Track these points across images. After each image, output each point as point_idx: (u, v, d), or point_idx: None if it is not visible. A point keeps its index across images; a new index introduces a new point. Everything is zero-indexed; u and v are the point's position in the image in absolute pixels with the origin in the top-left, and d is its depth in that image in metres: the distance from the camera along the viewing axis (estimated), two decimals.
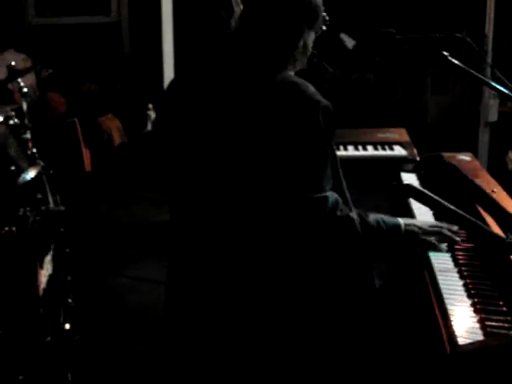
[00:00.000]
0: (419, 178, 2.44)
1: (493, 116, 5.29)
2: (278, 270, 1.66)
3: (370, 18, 5.92)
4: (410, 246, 1.77)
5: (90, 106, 6.51)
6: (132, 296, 3.19)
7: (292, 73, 1.69)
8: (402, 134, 2.74)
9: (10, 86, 4.54)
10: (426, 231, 1.74)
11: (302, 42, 1.67)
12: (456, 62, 1.70)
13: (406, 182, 2.40)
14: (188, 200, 1.73)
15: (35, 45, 7.55)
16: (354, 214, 1.63)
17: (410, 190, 1.51)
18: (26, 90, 2.85)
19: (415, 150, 2.54)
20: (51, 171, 3.12)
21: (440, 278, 1.60)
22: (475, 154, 4.13)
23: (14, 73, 2.84)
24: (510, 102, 5.63)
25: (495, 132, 5.44)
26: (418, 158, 2.45)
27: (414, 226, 1.73)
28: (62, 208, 3.05)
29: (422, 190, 1.47)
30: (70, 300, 2.82)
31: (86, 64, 7.72)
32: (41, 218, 2.65)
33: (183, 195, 1.75)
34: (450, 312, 1.44)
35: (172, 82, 1.86)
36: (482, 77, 1.73)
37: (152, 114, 5.20)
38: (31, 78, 5.85)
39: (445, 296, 1.50)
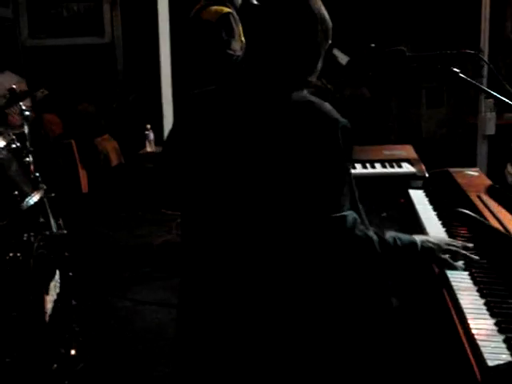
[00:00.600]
0: (428, 194, 2.42)
1: (490, 129, 5.30)
2: (295, 290, 1.63)
3: (364, 34, 5.95)
4: (426, 264, 1.75)
5: (86, 126, 6.49)
6: (137, 319, 3.15)
7: (306, 91, 1.67)
8: (408, 150, 2.73)
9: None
10: (441, 249, 1.72)
11: (320, 63, 1.67)
12: (468, 79, 1.70)
13: (414, 199, 2.39)
14: (205, 219, 1.70)
15: (29, 66, 7.55)
16: (371, 233, 1.61)
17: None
18: (27, 113, 2.83)
19: (423, 167, 2.53)
20: (53, 194, 3.09)
21: (461, 298, 1.57)
22: (473, 167, 4.13)
23: (15, 96, 2.82)
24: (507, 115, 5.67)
25: (493, 145, 5.46)
26: (426, 175, 2.44)
27: (430, 243, 1.72)
28: (65, 232, 3.02)
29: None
30: (74, 325, 2.78)
31: (80, 85, 7.72)
32: (45, 243, 2.61)
33: (200, 214, 1.72)
34: (474, 332, 1.41)
35: (185, 103, 1.84)
36: (495, 94, 1.71)
37: (151, 135, 5.18)
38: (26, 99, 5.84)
39: (468, 316, 1.48)
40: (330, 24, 1.69)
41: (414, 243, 1.68)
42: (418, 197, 2.40)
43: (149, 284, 3.55)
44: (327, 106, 1.61)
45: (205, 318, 1.71)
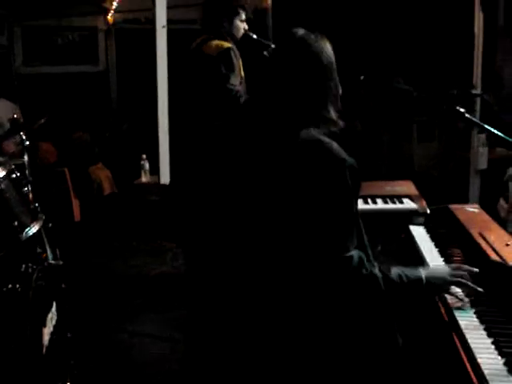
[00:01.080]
0: (429, 231, 2.43)
1: (483, 164, 5.36)
2: (301, 326, 1.64)
3: (355, 69, 6.03)
4: (432, 296, 1.77)
5: (80, 155, 6.48)
6: (134, 352, 3.11)
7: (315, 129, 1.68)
8: (409, 186, 2.75)
9: None
10: (447, 281, 1.73)
11: (330, 98, 1.69)
12: (473, 118, 1.72)
13: (415, 235, 2.40)
14: (215, 254, 1.71)
15: (23, 94, 7.57)
16: (377, 271, 1.63)
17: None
18: (27, 142, 2.83)
19: (424, 203, 2.54)
20: (50, 225, 3.07)
21: (469, 337, 1.57)
22: (466, 202, 4.16)
23: (17, 126, 2.82)
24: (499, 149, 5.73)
25: (485, 179, 5.51)
26: (428, 211, 2.45)
27: (435, 278, 1.73)
28: (61, 262, 3.00)
29: None
30: (70, 358, 2.74)
31: (74, 113, 7.75)
32: (43, 274, 2.59)
33: (210, 249, 1.73)
34: (485, 373, 1.41)
35: (193, 138, 1.86)
36: (498, 133, 1.74)
37: (146, 165, 5.19)
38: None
39: (477, 356, 1.48)
40: (333, 58, 1.72)
41: (419, 279, 1.69)
42: (419, 233, 2.41)
43: (145, 316, 3.51)
44: (335, 145, 1.63)
45: (213, 351, 1.71)
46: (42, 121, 2.96)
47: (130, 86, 8.76)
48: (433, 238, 2.35)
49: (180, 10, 7.77)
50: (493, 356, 1.49)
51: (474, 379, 1.41)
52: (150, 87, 8.42)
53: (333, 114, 1.70)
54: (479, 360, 1.46)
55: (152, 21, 8.66)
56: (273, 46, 3.68)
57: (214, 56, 3.46)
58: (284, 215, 1.60)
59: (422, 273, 1.71)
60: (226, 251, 1.67)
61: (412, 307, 1.87)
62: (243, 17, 3.65)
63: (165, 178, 4.89)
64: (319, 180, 1.57)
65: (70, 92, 8.16)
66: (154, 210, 5.03)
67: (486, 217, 2.44)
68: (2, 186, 2.47)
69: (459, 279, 1.75)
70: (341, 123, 1.72)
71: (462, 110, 1.74)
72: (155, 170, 5.03)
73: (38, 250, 2.84)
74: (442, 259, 2.13)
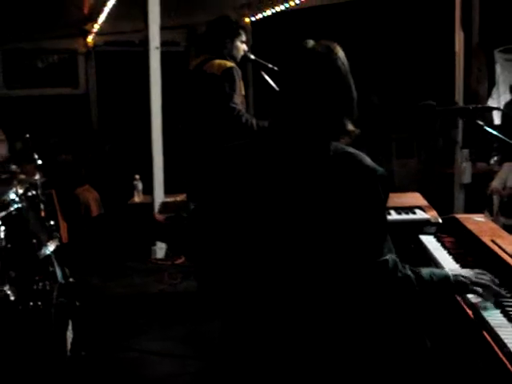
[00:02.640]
0: (438, 240, 2.52)
1: (467, 178, 5.52)
2: (339, 332, 1.69)
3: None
4: (460, 295, 1.84)
5: (66, 176, 6.46)
6: (144, 370, 3.12)
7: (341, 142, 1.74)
8: (417, 198, 2.85)
9: None
10: (472, 281, 1.81)
11: (355, 112, 1.75)
12: (491, 130, 1.83)
13: (427, 244, 2.49)
14: (248, 269, 1.75)
15: (3, 116, 7.54)
16: (409, 272, 1.70)
17: None
18: (40, 162, 2.85)
19: (435, 213, 2.64)
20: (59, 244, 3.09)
21: (501, 333, 1.65)
22: None
23: (28, 145, 2.85)
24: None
25: (469, 193, 5.67)
26: (440, 221, 2.55)
27: (462, 276, 1.81)
28: (72, 280, 3.02)
29: None
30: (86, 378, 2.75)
31: (55, 135, 7.73)
32: (61, 292, 2.61)
33: (242, 264, 1.77)
34: None
35: (219, 157, 1.89)
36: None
37: (139, 185, 5.22)
38: (3, 149, 5.82)
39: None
40: (348, 65, 1.72)
41: (447, 277, 1.78)
42: (431, 242, 2.50)
43: (151, 334, 3.53)
44: (365, 156, 1.70)
45: (252, 361, 1.75)
46: (55, 140, 2.98)
47: (110, 108, 8.79)
48: (444, 247, 2.44)
49: (163, 32, 7.87)
50: None
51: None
52: (132, 109, 8.48)
53: (351, 125, 1.72)
54: None
55: (131, 43, 8.75)
56: (270, 66, 3.78)
57: (218, 75, 3.54)
58: (321, 225, 1.65)
59: (449, 272, 1.80)
60: (263, 264, 1.71)
61: (436, 309, 1.94)
62: (243, 38, 3.75)
63: (159, 197, 4.93)
64: (354, 190, 1.64)
65: (51, 115, 8.15)
66: (147, 229, 5.05)
67: (494, 225, 2.55)
68: (22, 204, 2.50)
69: (484, 281, 1.83)
70: (357, 131, 1.74)
71: (480, 123, 1.84)
72: (149, 190, 5.06)
73: (51, 269, 2.85)
74: (458, 265, 2.22)
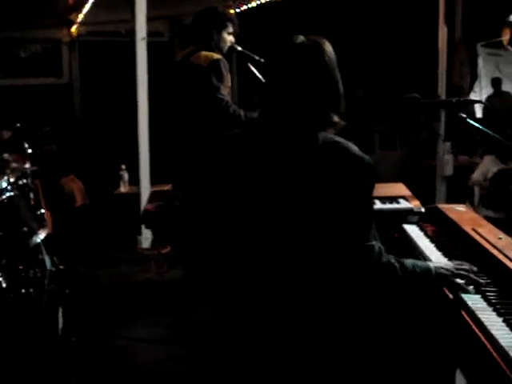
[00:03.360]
0: (421, 229, 2.59)
1: (449, 170, 5.62)
2: (327, 316, 1.75)
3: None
4: (440, 287, 1.92)
5: (51, 166, 6.45)
6: (132, 357, 3.17)
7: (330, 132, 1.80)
8: (401, 188, 2.92)
9: None
10: (453, 273, 1.89)
11: (342, 104, 1.81)
12: (473, 123, 1.89)
13: (410, 233, 2.56)
14: (240, 254, 1.81)
15: None
16: (394, 260, 1.77)
17: None
18: (30, 150, 2.88)
19: (418, 203, 2.72)
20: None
21: (482, 317, 1.72)
22: None
23: (18, 134, 2.87)
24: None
25: (451, 185, 5.78)
26: (423, 210, 2.63)
27: (443, 269, 1.90)
28: (62, 267, 3.05)
29: None
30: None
31: (39, 125, 7.69)
32: (52, 279, 2.65)
33: (234, 250, 1.82)
34: (502, 343, 1.56)
35: (212, 147, 1.94)
36: (498, 137, 1.92)
37: (125, 175, 5.24)
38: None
39: (493, 332, 1.63)
40: (335, 59, 1.79)
41: (429, 269, 1.86)
42: (414, 231, 2.57)
43: (139, 322, 3.57)
44: (352, 145, 1.76)
45: (244, 345, 1.80)
46: (48, 129, 3.01)
47: (94, 98, 8.78)
48: (427, 236, 2.51)
49: (147, 22, 7.86)
50: (506, 331, 1.64)
51: (493, 351, 1.56)
52: (116, 99, 8.47)
53: (337, 117, 1.79)
54: (495, 334, 1.61)
55: (115, 33, 8.73)
56: (257, 57, 3.82)
57: (205, 67, 3.57)
58: (309, 212, 1.71)
59: (431, 265, 1.88)
60: (253, 249, 1.76)
61: (416, 293, 2.01)
62: (230, 30, 3.78)
63: (145, 187, 4.96)
64: (342, 177, 1.70)
65: (34, 104, 8.12)
66: (132, 219, 5.09)
67: (475, 215, 2.63)
68: (13, 192, 2.52)
69: (463, 272, 1.91)
70: (343, 123, 1.80)
71: (463, 115, 1.90)
72: (136, 181, 5.09)
73: (40, 257, 2.89)
74: (440, 253, 2.29)
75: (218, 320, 1.89)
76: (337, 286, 1.74)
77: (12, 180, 2.58)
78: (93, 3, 7.38)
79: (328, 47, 1.79)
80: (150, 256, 4.81)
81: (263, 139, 1.79)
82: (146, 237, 5.04)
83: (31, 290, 2.41)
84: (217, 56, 3.63)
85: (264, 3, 7.96)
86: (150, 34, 7.80)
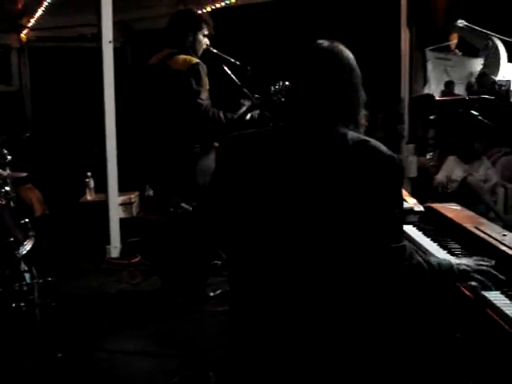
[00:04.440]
0: (418, 229, 2.59)
1: (413, 172, 5.70)
2: (359, 317, 1.72)
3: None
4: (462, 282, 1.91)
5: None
6: (118, 370, 3.04)
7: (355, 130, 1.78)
8: None
9: None
10: (474, 269, 1.89)
11: (362, 105, 1.80)
12: (486, 121, 1.90)
13: (409, 232, 2.55)
14: (268, 256, 1.75)
15: None
16: (422, 260, 1.76)
17: None
18: (9, 157, 2.74)
19: (416, 201, 2.72)
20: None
21: (506, 310, 1.72)
22: None
23: None
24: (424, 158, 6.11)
25: (414, 186, 5.85)
26: (422, 209, 2.63)
27: (463, 265, 1.90)
28: (41, 280, 2.91)
29: None
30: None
31: (29, 129, 7.44)
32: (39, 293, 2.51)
33: (262, 252, 1.76)
34: None
35: (230, 147, 1.88)
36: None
37: (91, 183, 5.07)
38: None
39: None
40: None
41: (451, 266, 1.85)
42: (412, 231, 2.57)
43: (120, 333, 3.44)
44: (381, 144, 1.75)
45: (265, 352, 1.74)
46: (28, 134, 2.87)
47: (45, 105, 8.52)
48: (426, 235, 2.51)
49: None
50: None
51: None
52: (69, 105, 8.24)
53: (362, 118, 1.82)
54: None
55: (66, 38, 8.49)
56: (232, 60, 3.77)
57: (184, 71, 3.51)
58: (339, 212, 1.68)
59: (452, 261, 1.88)
60: (283, 249, 1.71)
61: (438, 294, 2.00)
62: (206, 32, 3.73)
63: (113, 195, 4.82)
64: (374, 178, 1.68)
65: None
66: (100, 228, 4.93)
67: (470, 213, 2.64)
68: None
69: (483, 267, 1.91)
70: (366, 124, 1.82)
71: (475, 113, 1.90)
72: (103, 188, 4.93)
73: (25, 268, 2.74)
74: (445, 252, 2.29)
75: (238, 324, 1.82)
76: (366, 286, 1.71)
77: None
78: (45, 8, 7.17)
79: (347, 51, 1.83)
80: (120, 266, 4.66)
81: (292, 140, 1.76)
82: (115, 246, 4.89)
83: (22, 304, 2.27)
84: (195, 60, 3.58)
85: (219, 8, 7.90)
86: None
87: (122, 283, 4.28)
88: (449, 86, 7.95)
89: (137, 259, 4.81)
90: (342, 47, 1.82)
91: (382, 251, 1.68)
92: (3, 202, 2.45)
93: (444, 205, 2.77)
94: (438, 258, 1.92)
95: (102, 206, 4.90)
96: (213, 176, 1.90)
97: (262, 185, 1.76)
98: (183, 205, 2.71)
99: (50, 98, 8.48)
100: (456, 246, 2.35)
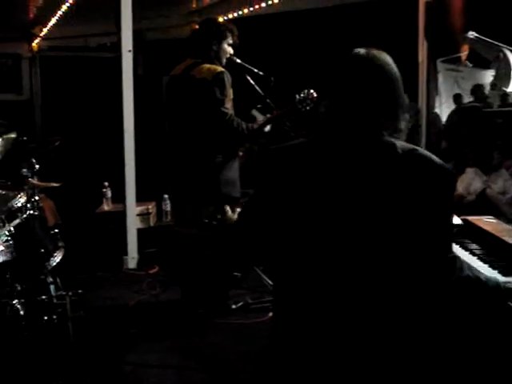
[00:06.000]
0: (456, 243, 2.52)
1: None
2: (412, 329, 1.67)
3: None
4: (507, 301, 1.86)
5: None
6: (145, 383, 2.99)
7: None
8: None
9: None
10: None
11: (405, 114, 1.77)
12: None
13: None
14: (321, 267, 1.70)
15: None
16: (471, 273, 1.73)
17: None
18: (37, 166, 2.70)
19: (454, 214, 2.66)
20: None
21: None
22: None
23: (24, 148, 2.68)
24: None
25: None
26: (461, 222, 2.58)
27: (510, 283, 1.84)
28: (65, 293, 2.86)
29: None
30: None
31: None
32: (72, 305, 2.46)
33: (313, 263, 1.71)
34: None
35: (272, 159, 1.83)
36: None
37: (108, 193, 5.03)
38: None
39: None
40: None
41: (497, 283, 1.82)
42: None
43: (143, 346, 3.38)
44: (432, 155, 1.71)
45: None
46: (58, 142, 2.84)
47: (56, 114, 8.50)
48: (465, 248, 2.45)
49: (112, 37, 7.68)
50: None
51: None
52: (81, 115, 8.23)
53: (403, 124, 1.78)
54: None
55: (78, 48, 8.50)
56: (256, 70, 3.74)
57: (209, 80, 3.47)
58: (391, 223, 1.63)
59: (498, 278, 1.84)
60: (330, 260, 1.67)
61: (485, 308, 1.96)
62: (230, 41, 3.70)
63: (131, 205, 4.77)
64: (427, 188, 1.64)
65: None
66: (118, 238, 4.88)
67: (505, 225, 2.58)
68: (28, 212, 2.34)
69: None
70: (407, 131, 1.79)
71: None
72: (121, 198, 4.89)
73: (50, 280, 2.69)
74: (487, 265, 2.22)
75: (286, 336, 1.76)
76: (419, 297, 1.67)
77: (25, 199, 2.39)
78: (58, 17, 7.17)
79: (387, 57, 1.78)
80: (138, 277, 4.61)
81: (339, 151, 1.72)
82: (132, 256, 4.84)
83: (54, 317, 2.22)
84: (220, 69, 3.55)
85: (232, 18, 7.90)
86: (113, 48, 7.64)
87: (142, 294, 4.23)
88: (457, 99, 7.87)
89: (155, 270, 4.76)
90: (382, 54, 1.78)
91: (437, 261, 1.66)
92: (36, 213, 2.40)
93: (479, 217, 2.71)
94: (481, 272, 1.87)
95: (120, 216, 4.85)
96: (257, 189, 1.86)
97: (312, 197, 1.72)
98: (219, 216, 2.66)
99: (61, 108, 8.46)
100: (498, 260, 2.29)
